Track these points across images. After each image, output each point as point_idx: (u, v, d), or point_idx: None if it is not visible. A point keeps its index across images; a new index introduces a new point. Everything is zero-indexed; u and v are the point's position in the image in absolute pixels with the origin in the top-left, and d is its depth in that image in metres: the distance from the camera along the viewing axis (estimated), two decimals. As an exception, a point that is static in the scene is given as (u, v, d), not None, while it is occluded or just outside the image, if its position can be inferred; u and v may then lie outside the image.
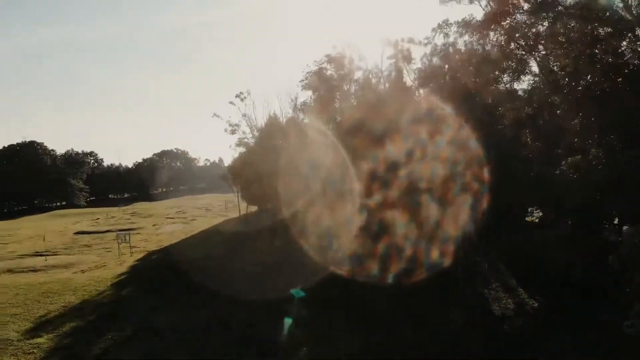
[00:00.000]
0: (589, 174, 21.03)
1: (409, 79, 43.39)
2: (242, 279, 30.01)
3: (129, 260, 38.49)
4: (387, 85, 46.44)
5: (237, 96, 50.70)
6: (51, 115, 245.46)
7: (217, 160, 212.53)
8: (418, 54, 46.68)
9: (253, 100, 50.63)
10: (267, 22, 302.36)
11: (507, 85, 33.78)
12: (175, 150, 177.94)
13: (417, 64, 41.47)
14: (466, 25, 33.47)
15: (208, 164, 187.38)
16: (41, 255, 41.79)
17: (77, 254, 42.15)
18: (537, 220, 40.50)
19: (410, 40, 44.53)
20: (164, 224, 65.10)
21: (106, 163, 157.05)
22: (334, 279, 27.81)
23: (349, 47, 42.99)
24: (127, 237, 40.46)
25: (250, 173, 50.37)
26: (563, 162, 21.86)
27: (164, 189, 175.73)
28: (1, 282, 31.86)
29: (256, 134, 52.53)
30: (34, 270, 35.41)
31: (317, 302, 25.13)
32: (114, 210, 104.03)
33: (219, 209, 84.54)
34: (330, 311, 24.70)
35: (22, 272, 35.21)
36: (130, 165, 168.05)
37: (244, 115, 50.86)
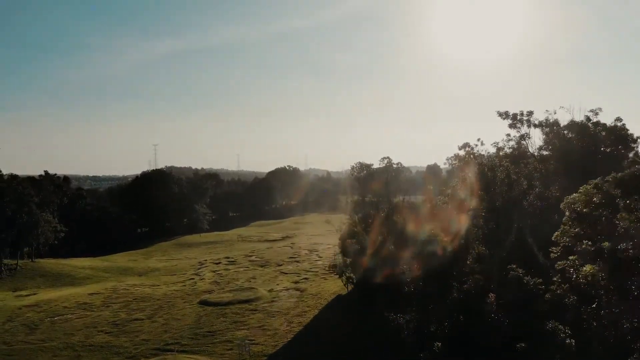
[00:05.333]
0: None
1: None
2: None
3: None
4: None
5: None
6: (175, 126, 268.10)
7: (325, 174, 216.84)
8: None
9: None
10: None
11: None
12: (287, 168, 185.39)
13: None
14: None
15: (316, 179, 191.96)
16: (170, 351, 44.62)
17: (201, 354, 44.22)
18: None
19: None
20: (278, 287, 66.62)
21: (231, 168, 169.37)
22: None
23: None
24: (247, 348, 42.01)
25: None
26: None
27: (277, 205, 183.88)
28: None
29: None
30: (165, 388, 37.69)
31: None
32: (234, 242, 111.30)
33: (327, 254, 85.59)
34: None
35: (155, 389, 37.70)
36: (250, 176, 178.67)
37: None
